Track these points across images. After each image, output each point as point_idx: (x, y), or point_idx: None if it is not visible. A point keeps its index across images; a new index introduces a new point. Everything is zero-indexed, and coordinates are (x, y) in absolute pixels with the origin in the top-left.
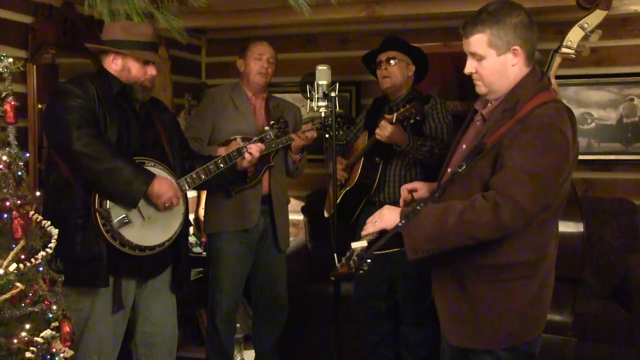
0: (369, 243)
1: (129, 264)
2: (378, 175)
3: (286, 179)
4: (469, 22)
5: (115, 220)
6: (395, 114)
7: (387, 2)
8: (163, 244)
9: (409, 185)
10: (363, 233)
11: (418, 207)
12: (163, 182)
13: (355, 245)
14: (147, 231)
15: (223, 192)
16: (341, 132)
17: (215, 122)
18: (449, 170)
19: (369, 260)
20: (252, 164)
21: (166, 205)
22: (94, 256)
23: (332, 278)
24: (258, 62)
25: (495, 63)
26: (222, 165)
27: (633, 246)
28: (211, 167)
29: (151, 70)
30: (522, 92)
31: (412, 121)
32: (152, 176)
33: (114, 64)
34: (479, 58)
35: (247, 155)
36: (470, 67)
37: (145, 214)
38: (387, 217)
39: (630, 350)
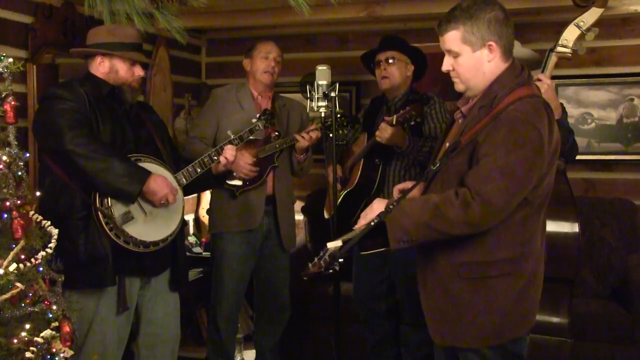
0: (343, 242)
1: (131, 263)
2: (378, 177)
3: (292, 179)
4: (443, 19)
5: (118, 217)
6: (395, 116)
7: (387, 2)
8: (166, 238)
9: (401, 186)
10: (355, 227)
11: (393, 205)
12: (158, 179)
13: (330, 245)
14: (150, 226)
15: (227, 192)
16: (345, 132)
17: (220, 121)
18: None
19: (340, 260)
20: (228, 167)
21: (162, 202)
22: (99, 256)
23: (305, 278)
24: (265, 60)
25: (470, 59)
26: (215, 158)
27: (633, 246)
28: (205, 160)
29: (138, 71)
30: (499, 87)
31: (412, 123)
32: (148, 173)
33: (101, 67)
34: (455, 55)
35: (222, 159)
36: (446, 64)
37: (147, 209)
38: (376, 208)
39: (630, 351)
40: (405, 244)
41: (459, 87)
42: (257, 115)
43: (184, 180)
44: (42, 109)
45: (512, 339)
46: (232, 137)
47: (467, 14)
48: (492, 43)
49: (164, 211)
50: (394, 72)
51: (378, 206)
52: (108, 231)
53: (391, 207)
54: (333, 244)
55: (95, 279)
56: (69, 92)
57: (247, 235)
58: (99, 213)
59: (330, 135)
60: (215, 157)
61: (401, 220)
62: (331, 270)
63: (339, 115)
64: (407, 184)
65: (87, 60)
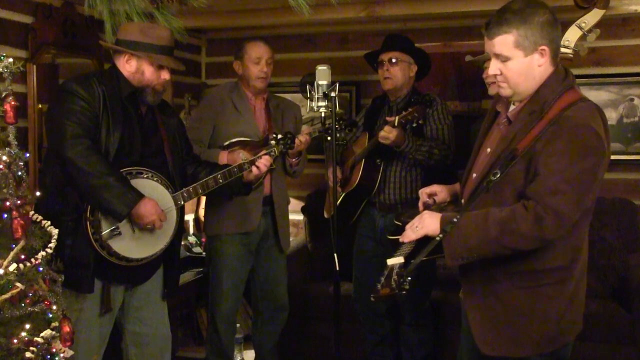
0: (405, 259)
1: (116, 272)
2: (379, 177)
3: (286, 179)
4: (493, 22)
5: (105, 232)
6: (397, 117)
7: (387, 2)
8: (150, 256)
9: (428, 189)
10: (404, 240)
11: (455, 220)
12: (148, 205)
13: (392, 262)
14: (136, 243)
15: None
16: (343, 135)
17: (216, 123)
18: (474, 175)
19: (409, 278)
20: (258, 178)
21: (148, 227)
22: (81, 262)
23: (373, 299)
24: (257, 66)
25: (521, 64)
26: (221, 181)
27: (633, 246)
28: (210, 182)
29: (165, 75)
30: (548, 92)
31: (414, 125)
32: (139, 198)
33: (128, 65)
34: (504, 59)
35: (254, 169)
36: (494, 68)
37: (136, 227)
38: (428, 223)
39: (630, 350)
40: (464, 261)
41: (506, 92)
42: (278, 138)
43: (182, 201)
44: (54, 103)
45: (563, 344)
46: (242, 158)
47: (520, 18)
48: (545, 47)
49: (153, 231)
50: (397, 72)
51: (430, 220)
52: (93, 242)
53: (455, 220)
54: (394, 261)
55: (73, 282)
56: (84, 90)
57: (244, 236)
58: (88, 223)
59: (329, 138)
60: (221, 180)
61: (462, 238)
62: (404, 292)
63: (337, 119)
64: (434, 188)
65: (114, 55)
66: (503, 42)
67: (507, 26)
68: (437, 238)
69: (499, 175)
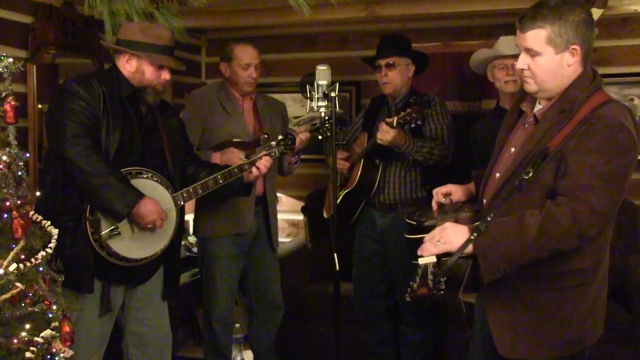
0: (437, 258)
1: (118, 271)
2: (378, 177)
3: (277, 178)
4: (528, 16)
5: (105, 232)
6: (395, 118)
7: (387, 2)
8: (150, 257)
9: (443, 189)
10: (423, 253)
11: (489, 218)
12: (149, 204)
13: (423, 261)
14: (135, 244)
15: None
16: (336, 132)
17: (205, 125)
18: (497, 175)
19: (444, 278)
20: (258, 178)
21: (149, 226)
22: (81, 262)
23: (408, 299)
24: (245, 71)
25: (551, 61)
26: (221, 182)
27: (633, 246)
28: (210, 182)
29: (165, 75)
30: (578, 92)
31: (412, 125)
32: (139, 197)
33: (128, 65)
34: (534, 54)
35: (254, 170)
36: (522, 62)
37: (135, 227)
38: (452, 238)
39: (630, 350)
40: (500, 274)
41: (531, 87)
42: (279, 139)
43: (181, 201)
44: (54, 103)
45: (584, 347)
46: (242, 158)
47: (556, 14)
48: (577, 47)
49: (153, 231)
50: (395, 77)
51: (454, 234)
52: (93, 242)
53: (489, 218)
54: (427, 261)
55: (73, 282)
56: (84, 90)
57: (237, 237)
58: (87, 223)
59: (320, 137)
60: (221, 181)
61: (498, 248)
62: (441, 292)
63: (327, 118)
64: (450, 187)
65: (114, 55)
66: (535, 36)
67: (541, 21)
68: (472, 237)
69: (531, 174)
